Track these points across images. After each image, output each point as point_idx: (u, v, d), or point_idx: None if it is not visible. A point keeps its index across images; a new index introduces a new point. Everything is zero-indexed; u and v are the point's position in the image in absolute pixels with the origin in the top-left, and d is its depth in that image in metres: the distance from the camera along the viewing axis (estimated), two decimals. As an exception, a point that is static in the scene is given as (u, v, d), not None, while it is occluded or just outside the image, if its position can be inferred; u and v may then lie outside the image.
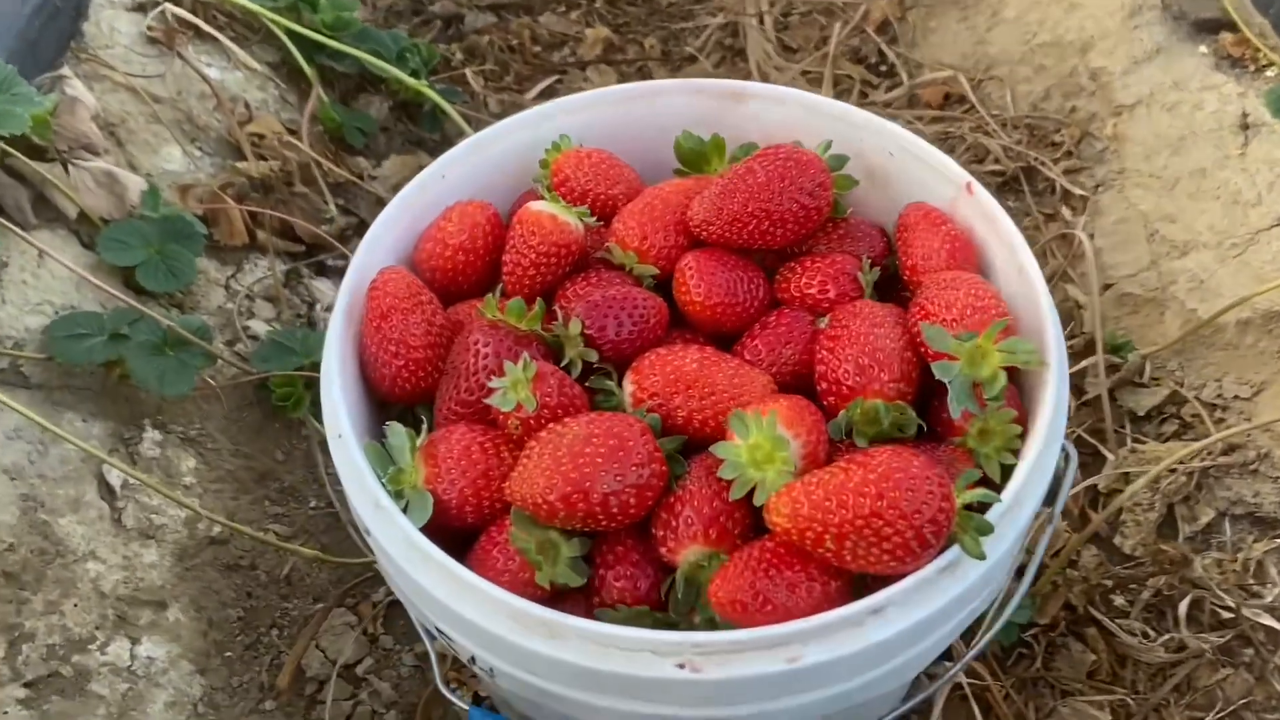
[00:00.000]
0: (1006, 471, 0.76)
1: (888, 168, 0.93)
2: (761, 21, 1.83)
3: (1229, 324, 1.25)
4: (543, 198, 0.87)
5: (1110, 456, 1.20)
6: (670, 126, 0.97)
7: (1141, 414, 1.25)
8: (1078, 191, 1.47)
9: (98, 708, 0.98)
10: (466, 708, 0.88)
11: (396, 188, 0.88)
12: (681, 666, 0.66)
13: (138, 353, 1.12)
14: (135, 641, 1.04)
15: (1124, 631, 1.08)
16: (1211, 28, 1.56)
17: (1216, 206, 1.34)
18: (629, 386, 0.79)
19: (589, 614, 0.73)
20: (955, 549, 0.69)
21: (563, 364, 0.80)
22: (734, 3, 1.86)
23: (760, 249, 0.86)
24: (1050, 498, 0.76)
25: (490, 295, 0.82)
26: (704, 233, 0.86)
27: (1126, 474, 1.18)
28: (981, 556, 0.67)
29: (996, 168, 1.53)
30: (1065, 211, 1.46)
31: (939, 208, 0.88)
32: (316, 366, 1.23)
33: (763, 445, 0.71)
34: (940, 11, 1.78)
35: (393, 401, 0.84)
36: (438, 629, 0.75)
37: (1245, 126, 1.41)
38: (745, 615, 0.68)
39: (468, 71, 1.72)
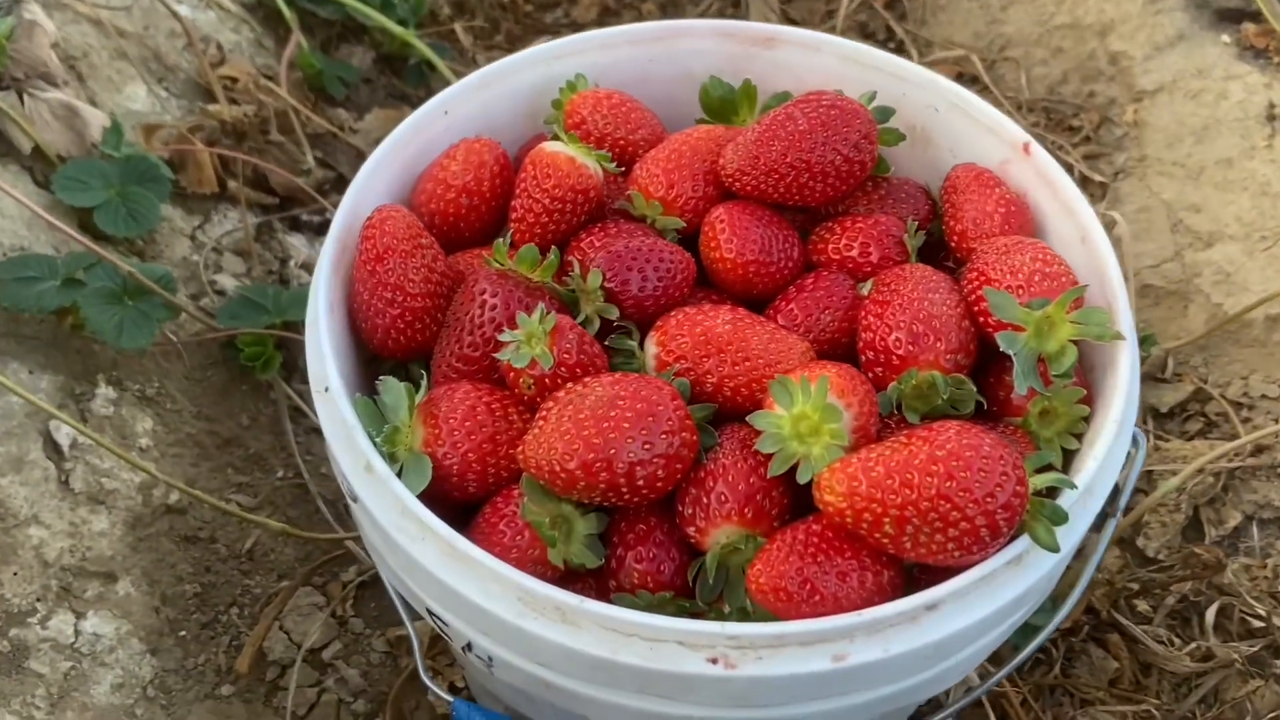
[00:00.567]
0: (1066, 459, 0.69)
1: (932, 125, 0.85)
2: (765, -9, 1.75)
3: (1257, 320, 1.20)
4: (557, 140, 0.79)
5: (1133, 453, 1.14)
6: (692, 72, 0.89)
7: (1164, 411, 1.19)
8: (1097, 178, 1.40)
9: (35, 688, 0.89)
10: (450, 699, 0.79)
11: (379, 142, 0.79)
12: (714, 662, 0.58)
13: (93, 300, 1.02)
14: (80, 616, 0.94)
15: (1148, 638, 1.02)
16: (1234, 17, 1.51)
17: (1244, 198, 1.28)
18: (652, 348, 0.71)
19: (604, 599, 0.65)
20: (1021, 540, 0.61)
21: (578, 320, 0.72)
22: (737, -29, 1.78)
23: (795, 205, 0.78)
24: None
25: (500, 240, 0.73)
26: (736, 184, 0.77)
27: (1150, 472, 1.12)
28: (1055, 548, 0.60)
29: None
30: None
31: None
32: (289, 326, 1.15)
33: (809, 416, 0.63)
34: (951, -12, 1.71)
35: (385, 357, 0.76)
36: (429, 611, 0.67)
37: (1272, 117, 1.35)
38: (789, 606, 0.60)
39: (457, 26, 1.63)
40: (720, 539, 0.64)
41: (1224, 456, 1.10)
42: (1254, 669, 1.00)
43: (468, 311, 0.71)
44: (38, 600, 0.93)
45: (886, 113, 0.80)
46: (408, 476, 0.65)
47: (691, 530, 0.65)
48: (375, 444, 0.65)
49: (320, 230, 1.32)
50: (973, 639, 0.63)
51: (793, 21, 1.74)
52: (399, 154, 0.81)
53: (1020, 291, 0.68)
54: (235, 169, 1.28)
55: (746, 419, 0.65)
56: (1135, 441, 0.69)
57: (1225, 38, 1.48)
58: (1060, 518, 0.60)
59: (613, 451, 0.62)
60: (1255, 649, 1.00)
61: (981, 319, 0.70)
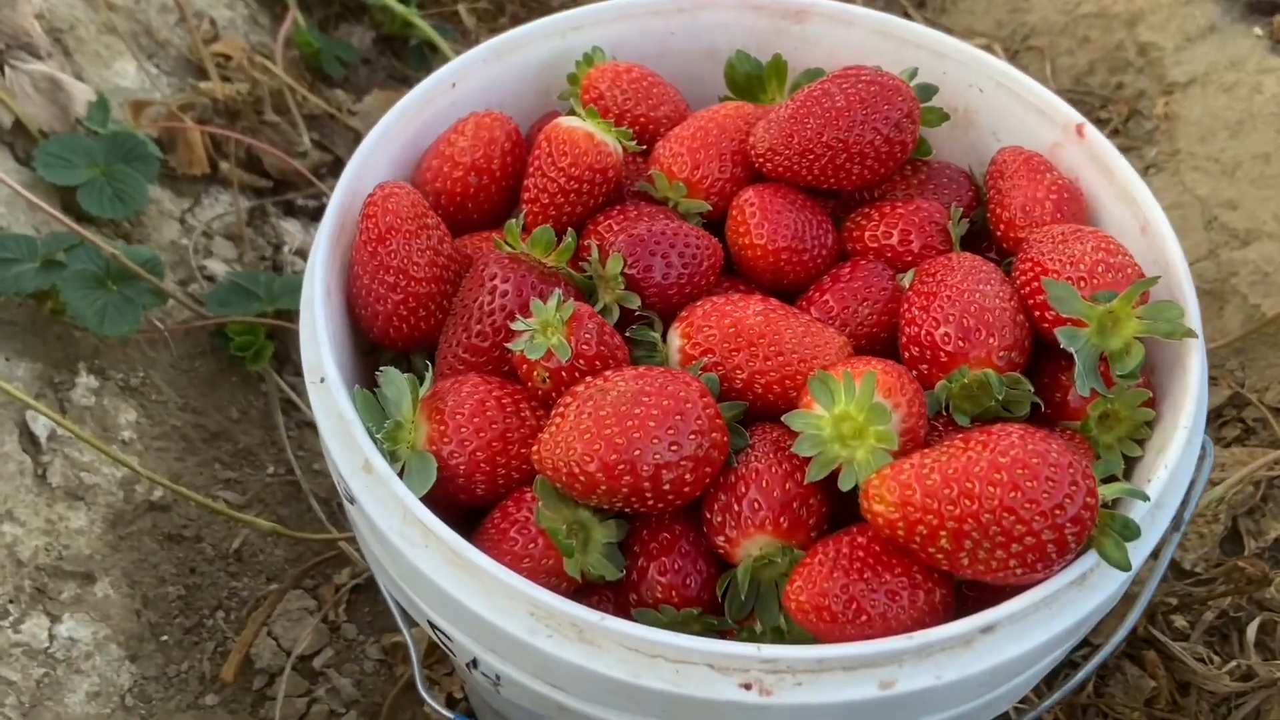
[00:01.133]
0: (1127, 467, 0.64)
1: (975, 105, 0.80)
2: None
3: (1297, 322, 1.14)
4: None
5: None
6: (717, 46, 0.84)
7: (1200, 415, 1.14)
8: (1127, 172, 1.35)
9: (6, 695, 0.83)
10: (450, 715, 0.73)
11: (381, 123, 0.74)
12: (748, 688, 0.53)
13: (74, 284, 0.96)
14: (55, 619, 0.88)
15: (1187, 656, 0.96)
16: (1265, 9, 1.47)
17: (1283, 194, 1.23)
18: (677, 340, 0.65)
19: (623, 615, 0.59)
20: (1085, 558, 0.56)
21: (596, 309, 0.66)
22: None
23: (830, 189, 0.73)
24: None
25: (512, 222, 0.67)
26: (768, 165, 0.72)
27: (1186, 480, 1.06)
28: (1127, 566, 0.54)
29: (1035, 143, 1.41)
30: (1112, 193, 1.34)
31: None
32: (281, 314, 1.09)
33: (853, 416, 0.57)
34: (973, -23, 1.66)
35: (386, 346, 0.70)
36: (431, 624, 0.61)
37: (1310, 112, 1.30)
38: (832, 626, 0.54)
39: (460, 7, 1.56)
40: (752, 550, 0.58)
41: (1264, 466, 1.05)
42: (1298, 690, 0.95)
43: (476, 298, 0.66)
44: (10, 602, 0.87)
45: (929, 91, 0.74)
46: (410, 477, 0.59)
47: (721, 540, 0.59)
48: (375, 441, 0.59)
49: (316, 215, 1.26)
50: (1029, 664, 0.57)
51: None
52: (404, 128, 0.75)
53: (1082, 284, 0.62)
54: (228, 150, 1.22)
55: (781, 419, 0.60)
56: (1204, 450, 0.63)
57: (1257, 30, 1.43)
58: (1132, 532, 0.54)
59: (637, 453, 0.56)
60: (1300, 668, 0.95)
61: (1037, 313, 0.64)
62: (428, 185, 0.74)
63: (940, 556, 0.53)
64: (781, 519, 0.58)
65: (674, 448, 0.56)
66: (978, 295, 0.63)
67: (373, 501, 0.58)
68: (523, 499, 0.60)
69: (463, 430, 0.60)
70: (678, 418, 0.57)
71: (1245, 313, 1.18)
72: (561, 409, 0.58)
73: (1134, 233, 0.70)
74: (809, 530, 0.59)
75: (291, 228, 1.25)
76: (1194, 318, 0.63)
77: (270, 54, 1.34)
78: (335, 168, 1.31)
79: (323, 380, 0.62)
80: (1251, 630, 0.98)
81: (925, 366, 0.64)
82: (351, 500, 0.60)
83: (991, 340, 0.62)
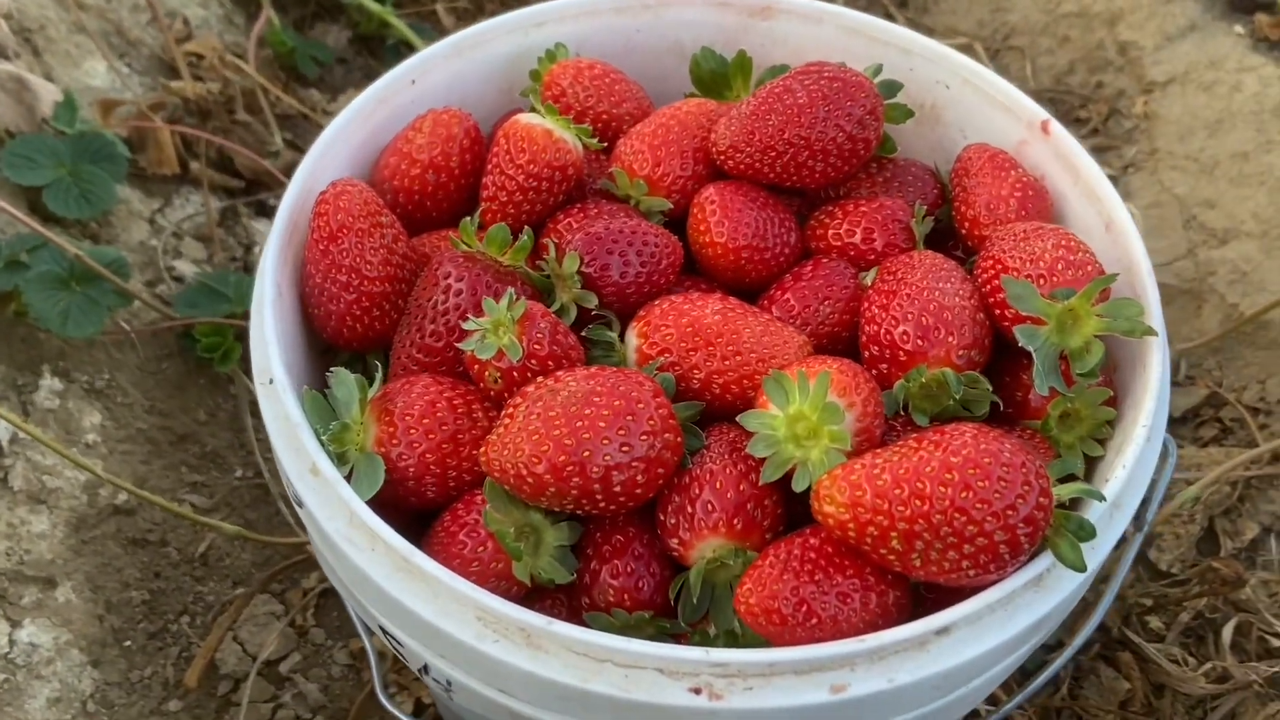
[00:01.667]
0: (1088, 467, 0.63)
1: (942, 102, 0.79)
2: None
3: (1274, 321, 1.13)
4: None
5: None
6: (682, 43, 0.83)
7: (1177, 416, 1.13)
8: (1106, 171, 1.34)
9: (-37, 702, 0.82)
10: (410, 722, 0.72)
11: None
12: (697, 692, 0.52)
13: (37, 285, 0.95)
14: (15, 624, 0.87)
15: (1162, 657, 0.95)
16: (1246, 7, 1.46)
17: (1261, 193, 1.22)
18: (634, 339, 0.64)
19: (575, 619, 0.58)
20: (1041, 559, 0.55)
21: (553, 309, 0.65)
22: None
23: (793, 187, 0.72)
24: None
25: (466, 220, 0.66)
26: (729, 162, 0.71)
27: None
28: (1082, 567, 0.53)
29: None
30: (1091, 192, 1.33)
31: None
32: (250, 315, 1.08)
33: (808, 416, 0.56)
34: (954, -24, 1.65)
35: (340, 347, 0.69)
36: (383, 629, 0.60)
37: (1290, 111, 1.29)
38: (782, 629, 0.53)
39: (439, 6, 1.55)
40: (706, 553, 0.57)
41: (1242, 465, 1.04)
42: (1273, 690, 0.94)
43: (430, 297, 0.65)
44: (-32, 608, 0.86)
45: (894, 87, 0.73)
46: (358, 480, 0.58)
47: (674, 542, 0.58)
48: (323, 443, 0.58)
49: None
50: (986, 667, 0.56)
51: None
52: (361, 126, 0.74)
53: (1042, 281, 0.61)
54: (198, 149, 1.21)
55: (737, 419, 0.59)
56: (1166, 449, 0.62)
57: (1238, 28, 1.42)
58: (1087, 533, 0.53)
59: (586, 454, 0.55)
60: (1275, 669, 0.94)
61: (997, 311, 0.63)
62: (386, 183, 0.73)
63: (892, 558, 0.52)
64: (735, 520, 0.57)
65: (625, 449, 0.56)
66: (937, 294, 0.63)
67: (320, 505, 0.57)
68: (473, 501, 0.59)
69: (412, 432, 0.59)
70: (629, 418, 0.56)
71: (1223, 312, 1.18)
72: (511, 410, 0.57)
73: (1098, 230, 0.69)
74: (764, 532, 0.58)
75: (263, 228, 1.24)
76: (1155, 315, 0.63)
77: (244, 54, 1.33)
78: (309, 168, 1.29)
79: (271, 382, 0.61)
80: (1227, 632, 0.97)
81: (885, 365, 0.63)
82: (300, 504, 0.59)
83: (950, 339, 0.61)
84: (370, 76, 1.47)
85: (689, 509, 0.58)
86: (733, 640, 0.57)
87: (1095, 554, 0.56)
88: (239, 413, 1.08)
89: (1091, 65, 1.46)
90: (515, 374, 0.60)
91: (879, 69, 0.73)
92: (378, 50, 1.49)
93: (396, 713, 0.71)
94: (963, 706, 0.59)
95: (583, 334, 0.65)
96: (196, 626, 0.95)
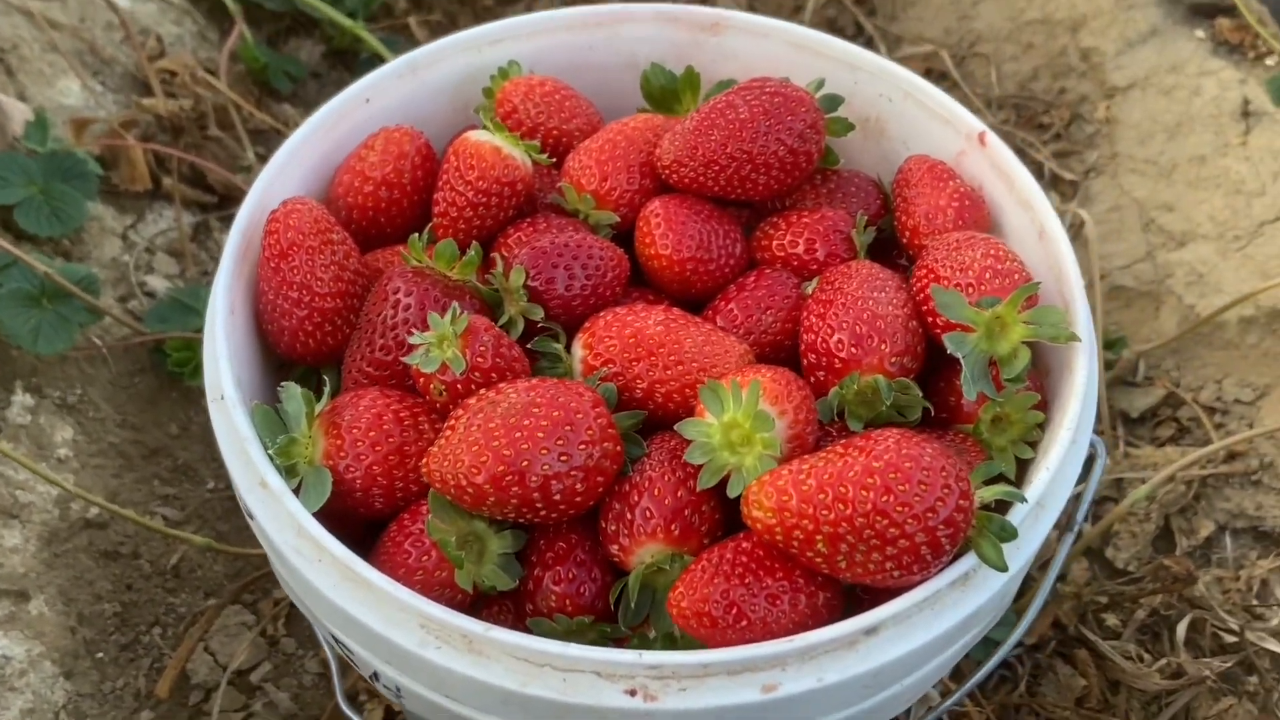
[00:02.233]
0: (1021, 468, 0.65)
1: (885, 115, 0.81)
2: (731, -14, 1.71)
3: (1230, 322, 1.15)
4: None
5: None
6: (635, 59, 0.84)
7: (1135, 416, 1.15)
8: (1068, 176, 1.36)
9: (-64, 714, 0.83)
10: (373, 728, 0.74)
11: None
12: (632, 694, 0.53)
13: (8, 303, 0.97)
14: (-12, 637, 0.88)
15: (1117, 654, 0.97)
16: (1208, 11, 1.48)
17: (1217, 196, 1.24)
18: (579, 350, 0.66)
19: (519, 624, 0.60)
20: (968, 558, 0.56)
21: (501, 322, 0.67)
22: (702, -35, 1.74)
23: (738, 199, 0.74)
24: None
25: (415, 236, 0.68)
26: (674, 176, 0.73)
27: (1120, 480, 1.08)
28: (1003, 567, 0.55)
29: (980, 148, 1.42)
30: (1054, 197, 1.35)
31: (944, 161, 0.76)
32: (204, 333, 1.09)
33: (741, 424, 0.58)
34: (921, -16, 1.67)
35: (294, 362, 0.71)
36: (334, 637, 0.61)
37: (1247, 114, 1.31)
38: (713, 631, 0.55)
39: (411, 20, 1.57)
40: (645, 558, 0.59)
41: (1196, 463, 1.06)
42: (1226, 686, 0.95)
43: (380, 312, 0.66)
44: (-59, 621, 0.87)
45: (835, 101, 0.75)
46: (306, 492, 0.60)
47: (615, 549, 0.60)
48: (271, 457, 0.60)
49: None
50: (916, 665, 0.58)
51: (759, 17, 1.70)
52: (315, 145, 0.76)
53: (970, 290, 0.63)
54: (170, 165, 1.22)
55: (675, 427, 0.61)
56: (1095, 450, 0.64)
57: (1199, 33, 1.44)
58: (1009, 534, 0.55)
59: (525, 464, 0.57)
60: (1228, 665, 0.96)
61: (930, 319, 0.65)
62: (340, 200, 0.75)
63: (819, 560, 0.54)
64: (673, 526, 0.59)
65: (564, 458, 0.57)
66: (871, 303, 0.64)
67: (269, 518, 0.59)
68: (419, 512, 0.61)
69: (359, 444, 0.61)
70: (568, 428, 0.58)
71: (1181, 313, 1.20)
72: (452, 421, 0.59)
73: (1032, 238, 0.71)
74: (701, 538, 0.60)
75: (236, 243, 1.25)
76: (1082, 322, 0.64)
77: (217, 69, 1.34)
78: (282, 183, 1.31)
79: (222, 398, 0.62)
80: (1181, 628, 0.98)
81: (822, 373, 0.64)
82: (250, 516, 0.61)
83: (883, 347, 0.63)
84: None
85: (628, 515, 0.59)
86: (671, 643, 0.59)
87: (1019, 554, 0.58)
88: (210, 426, 1.09)
89: (1055, 71, 1.48)
90: (459, 386, 0.61)
91: (821, 84, 0.75)
92: (351, 65, 1.50)
93: (359, 719, 0.73)
94: (896, 705, 0.61)
95: (529, 346, 0.67)
96: (168, 638, 0.97)
